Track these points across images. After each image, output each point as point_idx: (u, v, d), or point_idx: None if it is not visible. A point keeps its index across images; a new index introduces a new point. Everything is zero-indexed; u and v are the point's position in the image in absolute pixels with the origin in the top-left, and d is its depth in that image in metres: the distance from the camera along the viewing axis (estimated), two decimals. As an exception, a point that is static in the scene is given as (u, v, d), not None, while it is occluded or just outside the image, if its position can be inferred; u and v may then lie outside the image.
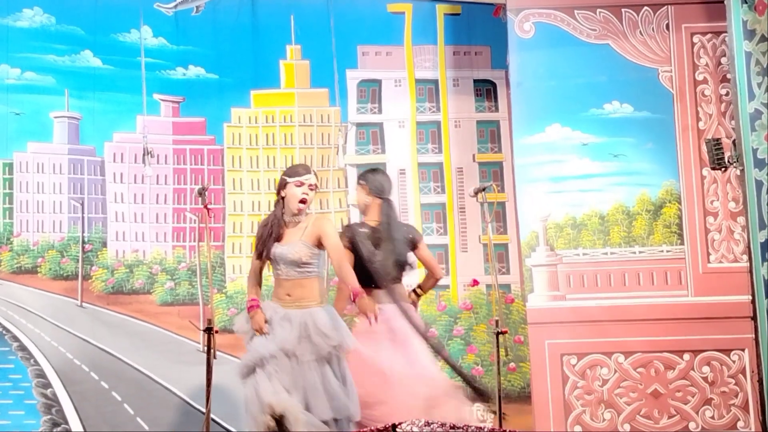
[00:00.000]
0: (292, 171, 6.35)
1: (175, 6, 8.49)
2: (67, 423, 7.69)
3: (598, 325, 8.06)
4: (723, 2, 7.45)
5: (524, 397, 8.14)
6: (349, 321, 6.57)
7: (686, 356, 8.05)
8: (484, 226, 6.87)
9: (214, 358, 6.03)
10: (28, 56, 8.20)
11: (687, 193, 8.21)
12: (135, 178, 8.31)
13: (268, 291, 6.51)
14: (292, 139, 8.57)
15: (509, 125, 8.53)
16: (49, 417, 7.68)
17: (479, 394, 6.64)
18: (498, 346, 6.49)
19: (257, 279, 6.43)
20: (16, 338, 7.84)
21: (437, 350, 6.71)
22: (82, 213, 8.16)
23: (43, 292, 8.00)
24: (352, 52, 8.68)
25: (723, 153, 7.56)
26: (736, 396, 7.97)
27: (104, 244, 8.18)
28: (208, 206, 6.28)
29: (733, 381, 7.99)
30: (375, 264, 6.54)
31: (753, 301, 7.34)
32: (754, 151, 7.21)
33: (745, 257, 7.70)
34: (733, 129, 7.84)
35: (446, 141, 8.63)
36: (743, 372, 7.97)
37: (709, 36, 8.35)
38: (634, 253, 8.21)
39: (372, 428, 5.36)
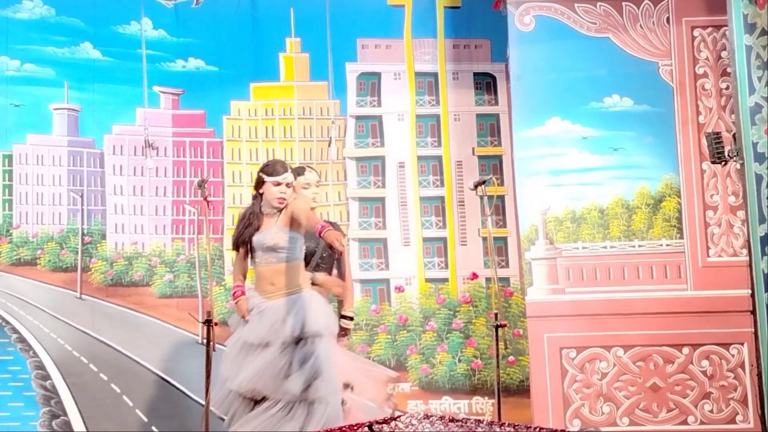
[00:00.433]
0: (271, 170, 6.39)
1: (175, -2, 8.51)
2: (66, 415, 7.70)
3: (598, 319, 8.05)
4: (723, -4, 7.46)
5: (523, 390, 8.14)
6: None
7: (685, 350, 8.05)
8: (484, 219, 6.89)
9: (213, 350, 6.03)
10: (28, 48, 8.20)
11: (687, 186, 8.21)
12: (134, 171, 8.31)
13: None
14: (291, 132, 8.57)
15: (509, 118, 8.52)
16: (48, 409, 7.69)
17: None
18: (497, 340, 6.49)
19: (241, 267, 6.45)
20: (15, 330, 7.85)
21: None
22: (82, 205, 8.17)
23: (43, 284, 8.01)
24: (352, 45, 8.67)
25: (723, 147, 7.55)
26: (735, 390, 7.97)
27: (103, 236, 8.19)
28: (208, 199, 6.29)
29: (732, 375, 8.00)
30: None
31: (752, 295, 7.35)
32: (754, 144, 7.22)
33: (745, 251, 7.70)
34: (733, 123, 7.83)
35: (446, 134, 8.63)
36: (742, 366, 7.97)
37: (709, 30, 8.34)
38: (634, 246, 8.21)
39: (346, 426, 5.35)
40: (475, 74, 8.73)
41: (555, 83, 8.37)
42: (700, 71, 8.32)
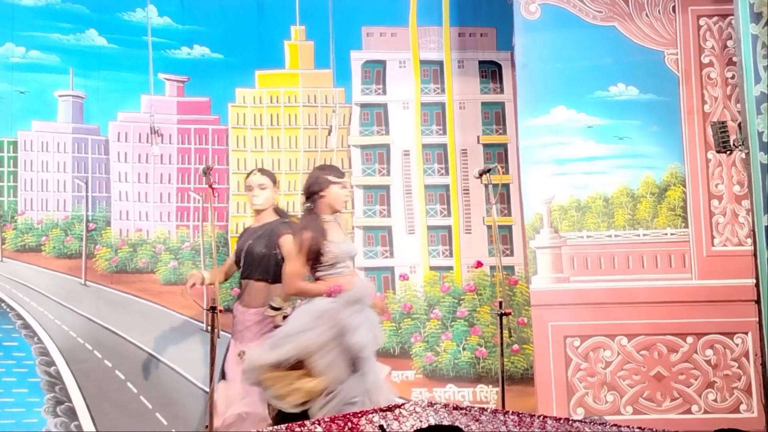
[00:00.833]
0: (337, 172, 6.60)
1: (181, -15, 8.51)
2: (70, 401, 7.71)
3: (602, 308, 8.06)
4: (730, -15, 7.44)
5: (527, 378, 8.15)
6: None
7: (689, 339, 8.05)
8: (488, 207, 6.89)
9: (218, 337, 6.05)
10: (33, 35, 8.20)
11: (692, 176, 8.20)
12: (139, 158, 8.31)
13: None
14: (296, 120, 8.57)
15: (514, 107, 8.52)
16: (52, 395, 7.71)
17: None
18: (501, 328, 6.51)
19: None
20: (19, 316, 7.86)
21: None
22: (86, 192, 8.17)
23: (47, 271, 8.02)
24: (357, 33, 8.66)
25: (728, 136, 7.55)
26: (739, 379, 7.98)
27: (108, 223, 8.19)
28: (213, 186, 6.33)
29: (737, 364, 8.00)
30: None
31: (757, 285, 7.35)
32: (760, 134, 7.21)
33: (750, 241, 7.70)
34: (738, 112, 7.83)
35: (451, 122, 8.62)
36: (746, 355, 7.97)
37: (715, 19, 8.33)
38: (638, 235, 8.21)
39: (350, 414, 5.37)
40: (481, 62, 8.72)
41: (560, 72, 8.37)
42: (705, 60, 8.30)
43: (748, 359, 7.97)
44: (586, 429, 5.41)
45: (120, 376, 7.85)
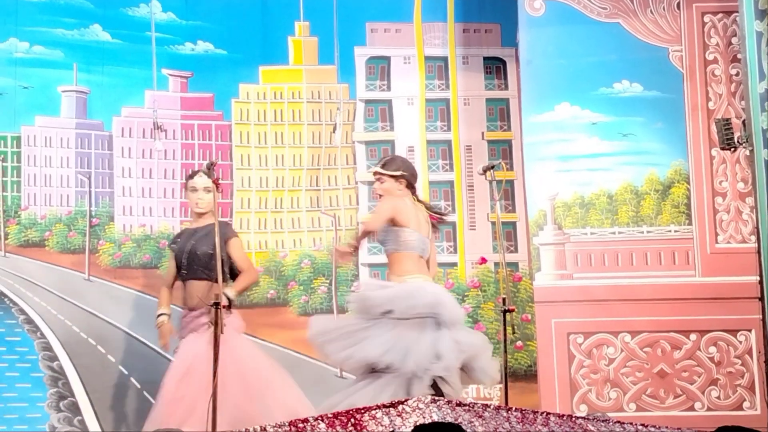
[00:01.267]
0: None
1: (185, -20, 8.51)
2: (73, 396, 7.72)
3: (605, 305, 8.06)
4: (734, -19, 7.43)
5: (530, 375, 8.15)
6: None
7: (693, 336, 8.05)
8: (493, 204, 6.89)
9: (221, 332, 6.04)
10: (37, 30, 8.21)
11: (696, 173, 8.20)
12: (143, 153, 8.32)
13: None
14: (300, 116, 8.56)
15: (518, 103, 8.51)
16: (55, 390, 7.71)
17: None
18: (505, 325, 6.49)
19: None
20: (23, 311, 7.87)
21: None
22: (90, 187, 8.18)
23: (51, 266, 8.02)
24: (361, 29, 8.67)
25: (732, 133, 7.53)
26: (743, 376, 7.98)
27: (111, 219, 8.19)
28: (216, 181, 6.33)
29: (740, 361, 8.00)
30: None
31: (760, 282, 7.33)
32: (764, 131, 7.19)
33: (753, 238, 7.67)
34: (742, 109, 7.82)
35: (455, 119, 8.62)
36: (750, 353, 7.97)
37: (720, 15, 8.32)
38: (642, 232, 8.20)
39: (353, 410, 5.37)
40: (485, 58, 8.72)
41: (565, 68, 8.37)
42: (710, 57, 8.30)
43: (751, 356, 7.97)
44: (590, 426, 5.42)
45: (123, 371, 7.85)
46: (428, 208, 6.86)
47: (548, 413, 5.52)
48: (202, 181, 6.92)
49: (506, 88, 8.67)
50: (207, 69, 8.50)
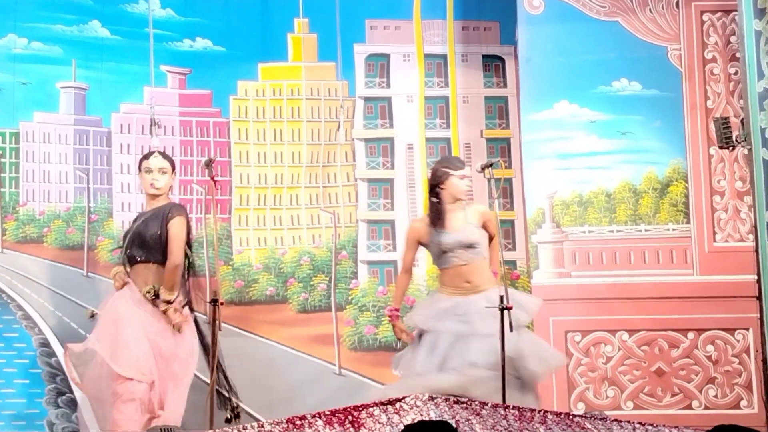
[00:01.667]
0: (456, 164, 6.64)
1: (184, -23, 8.50)
2: (71, 392, 7.71)
3: (603, 303, 8.06)
4: (733, -20, 7.43)
5: (528, 373, 8.14)
6: None
7: (690, 335, 8.05)
8: (491, 202, 6.88)
9: (219, 329, 6.04)
10: (36, 26, 8.20)
11: (694, 171, 8.20)
12: (141, 149, 8.29)
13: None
14: (299, 113, 8.57)
15: (517, 101, 8.52)
16: (53, 386, 7.71)
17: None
18: (503, 323, 6.49)
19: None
20: (20, 307, 7.86)
21: None
22: (88, 184, 8.17)
23: (49, 262, 8.02)
24: (360, 26, 8.67)
25: (731, 132, 7.55)
26: (740, 375, 7.98)
27: (110, 215, 8.19)
28: (215, 178, 6.31)
29: (737, 360, 8.00)
30: None
31: (758, 281, 7.35)
32: (762, 130, 7.20)
33: (752, 237, 7.70)
34: (741, 108, 7.82)
35: (454, 116, 8.62)
36: (747, 351, 7.98)
37: (718, 14, 8.33)
38: (640, 231, 8.21)
39: (351, 407, 5.37)
40: (484, 56, 8.72)
41: (564, 66, 8.36)
42: (708, 56, 8.30)
43: (749, 355, 7.97)
44: (587, 424, 5.43)
45: (121, 368, 7.84)
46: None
47: (546, 411, 5.53)
48: (157, 161, 6.59)
49: (505, 86, 8.68)
50: (206, 66, 8.50)
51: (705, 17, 8.35)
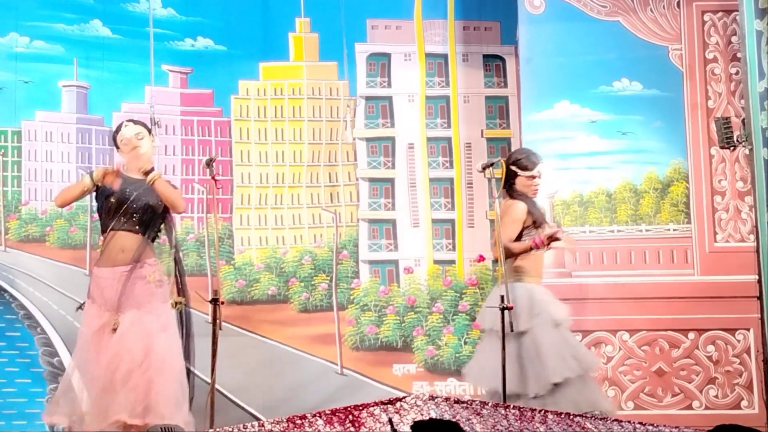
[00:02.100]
0: (524, 163, 6.76)
1: (185, -24, 8.51)
2: (73, 392, 7.71)
3: (604, 303, 8.06)
4: (734, -20, 7.44)
5: (528, 372, 8.15)
6: None
7: (691, 335, 8.06)
8: (491, 201, 6.89)
9: (220, 329, 6.04)
10: (38, 25, 8.20)
11: (695, 171, 8.20)
12: (143, 149, 8.31)
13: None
14: (300, 112, 8.57)
15: (518, 101, 8.52)
16: (55, 385, 7.70)
17: None
18: (503, 323, 6.50)
19: None
20: (23, 306, 7.87)
21: None
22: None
23: (51, 261, 8.02)
24: (362, 26, 8.67)
25: (732, 132, 7.56)
26: (741, 375, 7.99)
27: (112, 214, 8.19)
28: (216, 177, 6.30)
29: (738, 360, 8.01)
30: None
31: (759, 281, 7.36)
32: (763, 130, 7.21)
33: (752, 237, 7.70)
34: (742, 108, 7.83)
35: (455, 116, 8.62)
36: (748, 351, 7.98)
37: (720, 14, 8.32)
38: (641, 231, 8.21)
39: (351, 406, 5.37)
40: (485, 56, 8.72)
41: (564, 66, 8.37)
42: (710, 56, 8.30)
43: (749, 355, 7.97)
44: (587, 424, 5.43)
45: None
46: None
47: (546, 411, 5.53)
48: (129, 129, 6.29)
49: (506, 85, 8.68)
50: (207, 65, 8.50)
51: (706, 17, 8.35)
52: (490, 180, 6.89)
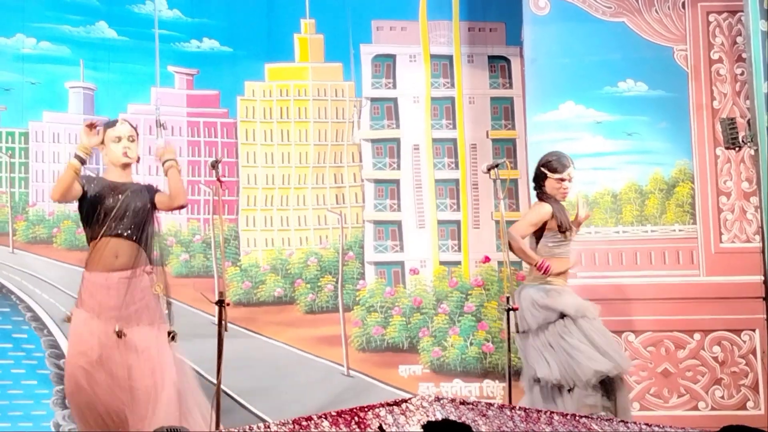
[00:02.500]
0: (555, 166, 7.01)
1: (190, -23, 8.52)
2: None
3: (609, 304, 8.02)
4: (739, -19, 7.44)
5: (534, 373, 8.16)
6: None
7: (697, 336, 8.06)
8: (497, 202, 6.89)
9: (225, 330, 6.05)
10: (44, 26, 8.21)
11: (700, 172, 8.21)
12: (149, 150, 8.31)
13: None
14: (306, 113, 8.58)
15: (523, 102, 8.53)
16: (61, 387, 7.70)
17: None
18: (509, 323, 6.52)
19: None
20: (29, 308, 7.87)
21: None
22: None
23: (58, 263, 8.02)
24: (366, 27, 8.68)
25: (737, 132, 7.56)
26: (746, 376, 7.98)
27: (119, 215, 8.20)
28: (221, 179, 6.30)
29: (744, 361, 8.01)
30: None
31: (765, 282, 7.38)
32: (769, 130, 7.22)
33: (758, 237, 7.71)
34: (747, 109, 7.83)
35: (460, 117, 8.63)
36: (754, 352, 7.98)
37: (725, 15, 8.32)
38: (647, 231, 8.21)
39: (357, 408, 5.39)
40: (490, 57, 8.72)
41: (569, 67, 8.37)
42: (715, 56, 8.30)
43: (755, 356, 7.98)
44: (593, 425, 5.44)
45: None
46: None
47: (552, 412, 5.54)
48: (125, 128, 6.27)
49: (511, 86, 8.68)
50: (213, 66, 8.51)
51: (711, 18, 8.35)
52: (495, 181, 6.89)
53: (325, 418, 5.27)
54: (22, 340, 7.80)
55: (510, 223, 8.30)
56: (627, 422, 5.61)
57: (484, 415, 5.38)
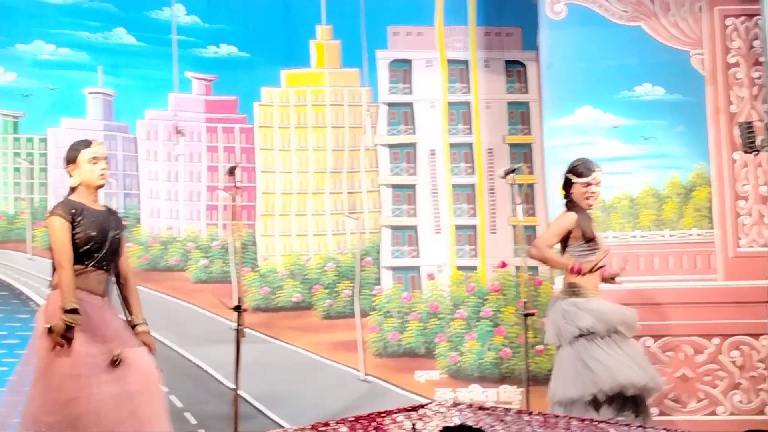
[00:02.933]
0: (580, 170, 6.86)
1: (208, -16, 8.55)
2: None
3: (627, 309, 8.05)
4: (756, -15, 7.42)
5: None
6: None
7: (715, 340, 8.04)
8: (514, 207, 6.90)
9: (243, 336, 6.07)
10: (62, 32, 8.26)
11: (718, 176, 8.18)
12: (168, 156, 8.37)
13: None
14: (323, 119, 8.60)
15: (539, 107, 8.52)
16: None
17: None
18: (526, 328, 6.53)
19: None
20: (49, 315, 7.87)
21: None
22: (117, 189, 8.21)
23: (77, 269, 8.04)
24: (382, 33, 8.70)
25: (755, 137, 7.53)
26: (765, 381, 7.96)
27: (138, 221, 8.24)
28: (239, 185, 6.32)
29: (763, 366, 7.97)
30: None
31: (782, 286, 7.35)
32: (786, 134, 7.21)
33: (776, 242, 7.70)
34: (765, 112, 7.81)
35: (477, 122, 8.64)
36: (772, 357, 7.97)
37: (742, 18, 8.30)
38: (664, 236, 8.20)
39: (375, 413, 5.39)
40: (506, 62, 8.73)
41: (586, 72, 8.36)
42: (732, 60, 8.28)
43: (773, 361, 7.96)
44: (611, 430, 5.43)
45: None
46: None
47: (570, 417, 5.53)
48: (102, 149, 5.93)
49: (527, 91, 8.68)
50: (230, 72, 8.54)
51: (728, 21, 8.32)
52: (512, 186, 6.89)
53: (343, 424, 5.29)
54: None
55: (527, 228, 8.36)
56: (646, 427, 5.60)
57: (501, 421, 5.38)
